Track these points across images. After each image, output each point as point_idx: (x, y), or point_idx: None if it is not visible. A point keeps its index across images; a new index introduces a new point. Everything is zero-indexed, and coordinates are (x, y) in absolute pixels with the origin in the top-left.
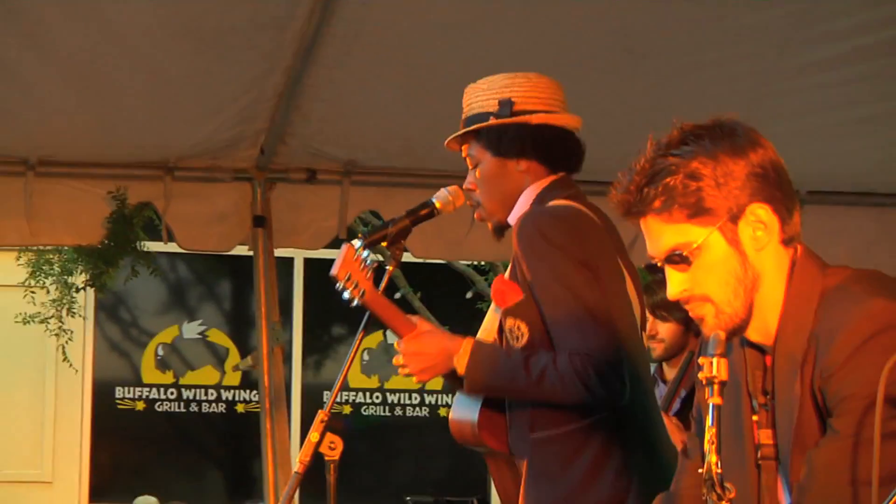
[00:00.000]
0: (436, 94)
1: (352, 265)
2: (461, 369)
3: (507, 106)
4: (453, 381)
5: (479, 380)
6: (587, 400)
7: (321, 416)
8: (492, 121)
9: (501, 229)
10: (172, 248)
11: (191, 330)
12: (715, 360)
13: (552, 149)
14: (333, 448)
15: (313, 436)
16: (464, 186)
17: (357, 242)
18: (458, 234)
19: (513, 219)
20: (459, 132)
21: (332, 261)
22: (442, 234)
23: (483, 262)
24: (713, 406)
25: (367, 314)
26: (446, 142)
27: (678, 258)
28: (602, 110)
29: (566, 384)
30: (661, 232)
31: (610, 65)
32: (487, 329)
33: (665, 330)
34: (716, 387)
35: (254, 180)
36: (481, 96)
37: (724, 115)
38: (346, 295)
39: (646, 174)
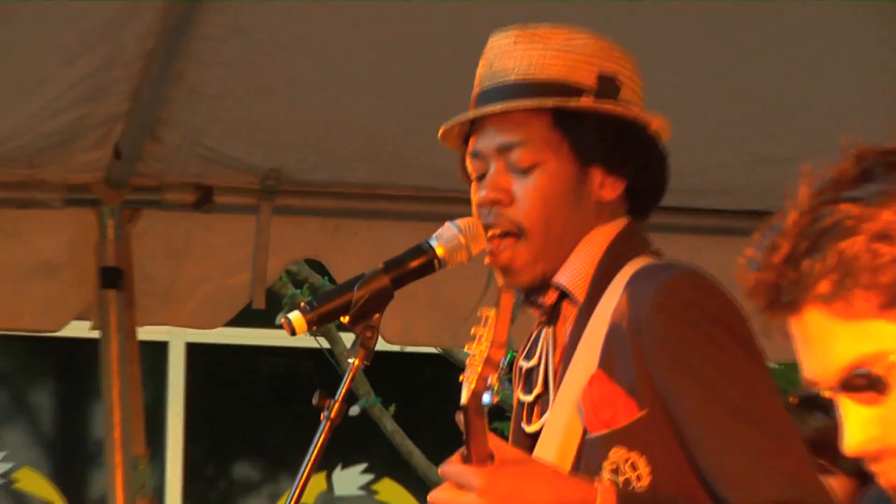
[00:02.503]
0: (422, 55)
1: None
2: None
3: (611, 87)
4: None
5: None
6: None
7: None
8: (587, 101)
9: (538, 289)
10: None
11: None
12: None
13: (657, 179)
14: None
15: None
16: (483, 195)
17: (301, 314)
18: (462, 301)
19: (567, 278)
20: (525, 103)
21: (233, 347)
22: (436, 302)
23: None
24: None
25: (318, 436)
26: (450, 124)
27: (864, 381)
28: (678, 98)
29: None
30: (834, 335)
31: (686, 26)
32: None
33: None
34: None
35: (102, 205)
36: (559, 58)
37: None
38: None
39: (803, 236)
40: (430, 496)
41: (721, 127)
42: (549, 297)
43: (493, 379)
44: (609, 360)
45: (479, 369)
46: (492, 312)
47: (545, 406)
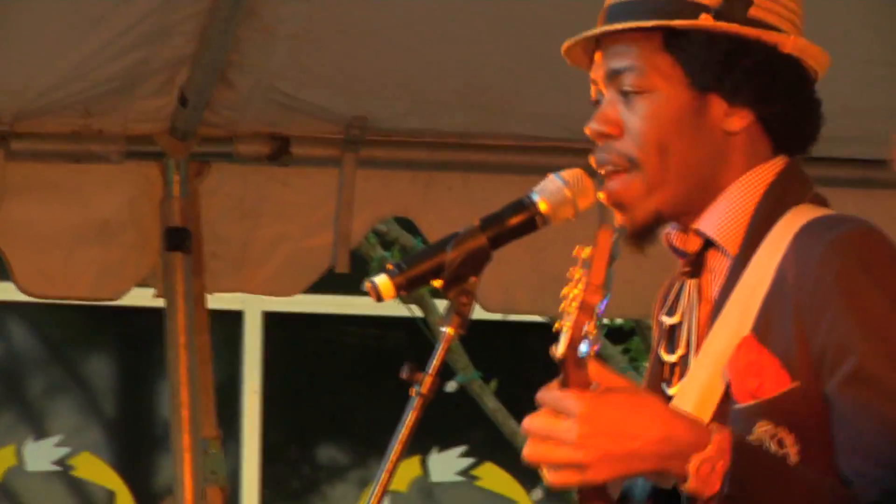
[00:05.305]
0: None
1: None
2: (711, 480)
3: (739, 5)
4: None
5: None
6: None
7: None
8: (706, 20)
9: (651, 228)
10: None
11: (40, 455)
12: None
13: (800, 109)
14: None
15: None
16: (591, 128)
17: (388, 277)
18: (568, 263)
19: (714, 226)
20: (622, 25)
21: (315, 316)
22: (538, 265)
23: (620, 321)
24: None
25: (407, 414)
26: (565, 48)
27: None
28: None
29: None
30: None
31: None
32: None
33: None
34: None
35: (166, 159)
36: None
37: None
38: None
39: None
40: (525, 423)
41: (864, 65)
42: (692, 245)
43: (589, 326)
44: (766, 323)
45: (575, 315)
46: (587, 251)
47: (689, 367)
